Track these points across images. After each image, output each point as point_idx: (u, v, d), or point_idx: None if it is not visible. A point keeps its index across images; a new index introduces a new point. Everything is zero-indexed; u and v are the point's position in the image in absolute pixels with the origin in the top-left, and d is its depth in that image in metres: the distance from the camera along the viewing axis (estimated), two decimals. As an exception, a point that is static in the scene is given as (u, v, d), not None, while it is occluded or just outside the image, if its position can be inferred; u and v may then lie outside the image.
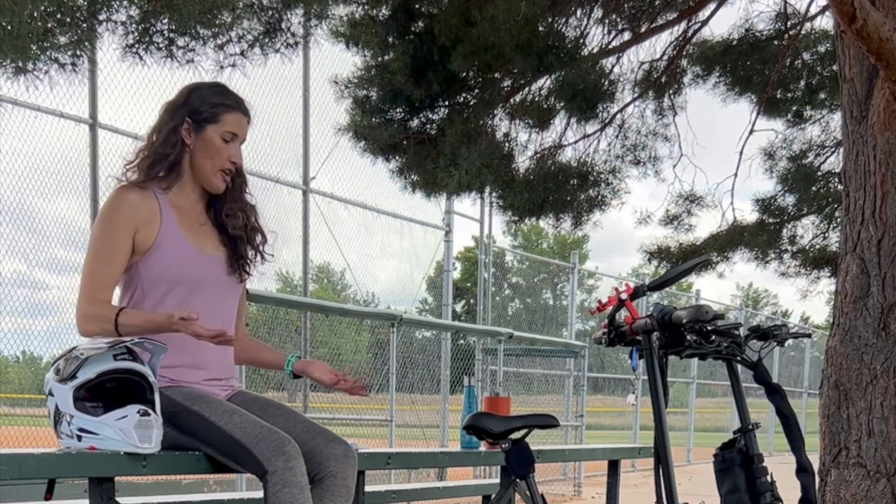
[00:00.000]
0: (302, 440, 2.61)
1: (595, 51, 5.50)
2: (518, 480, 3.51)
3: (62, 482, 2.57)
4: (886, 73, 3.31)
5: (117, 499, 2.51)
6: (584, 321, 17.21)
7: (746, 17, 6.02)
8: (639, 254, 7.45)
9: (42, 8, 2.63)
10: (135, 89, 5.88)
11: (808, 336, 3.52)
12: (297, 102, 7.77)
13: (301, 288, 8.05)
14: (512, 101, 5.52)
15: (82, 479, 2.51)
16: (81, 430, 2.42)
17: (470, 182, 5.32)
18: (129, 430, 2.40)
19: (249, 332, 4.27)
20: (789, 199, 7.19)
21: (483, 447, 3.93)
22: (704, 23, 5.86)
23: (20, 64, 2.80)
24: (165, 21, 3.16)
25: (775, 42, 6.01)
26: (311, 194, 7.91)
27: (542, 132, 5.77)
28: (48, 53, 2.84)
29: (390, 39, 4.94)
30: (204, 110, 2.69)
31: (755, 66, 6.07)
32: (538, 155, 5.84)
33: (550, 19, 5.08)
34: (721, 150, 7.09)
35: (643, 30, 5.62)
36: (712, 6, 5.70)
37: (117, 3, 2.93)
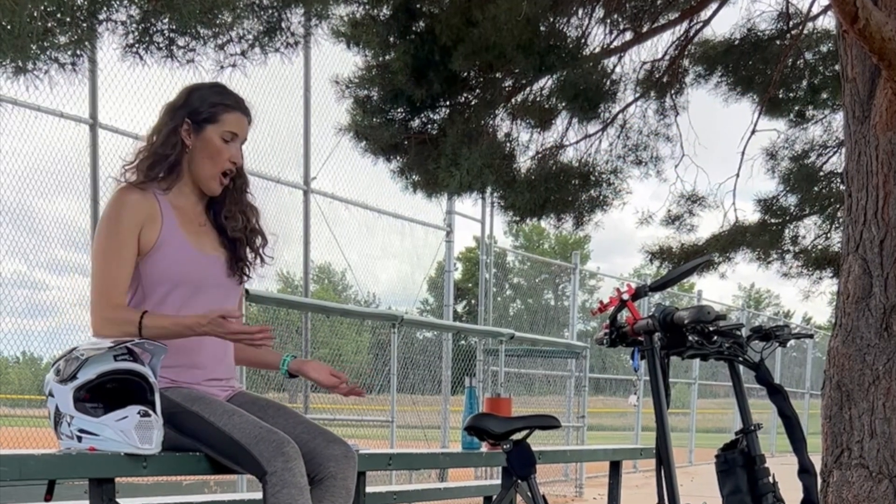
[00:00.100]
0: (302, 441, 2.61)
1: (597, 51, 5.50)
2: (519, 481, 3.50)
3: (62, 483, 2.57)
4: (888, 73, 3.30)
5: (118, 500, 2.51)
6: (586, 322, 17.21)
7: (748, 17, 6.02)
8: (640, 254, 7.46)
9: (42, 7, 2.62)
10: (135, 89, 5.87)
11: (810, 337, 3.51)
12: (297, 102, 7.76)
13: (302, 288, 8.04)
14: (513, 101, 5.52)
15: (82, 480, 2.50)
16: (82, 430, 2.42)
17: (471, 182, 5.32)
18: (129, 430, 2.40)
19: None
20: (791, 200, 7.18)
21: (484, 448, 3.93)
22: (706, 22, 5.86)
23: (20, 63, 2.80)
24: (166, 21, 3.16)
25: (777, 42, 6.00)
26: (312, 194, 7.90)
27: (543, 132, 5.77)
28: (48, 53, 2.83)
29: (391, 39, 4.93)
30: (203, 110, 2.69)
31: (757, 66, 6.06)
32: (539, 155, 5.83)
33: (552, 19, 5.08)
34: (723, 150, 7.09)
35: (645, 29, 5.61)
36: (714, 6, 5.69)
37: (117, 2, 2.92)
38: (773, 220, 7.20)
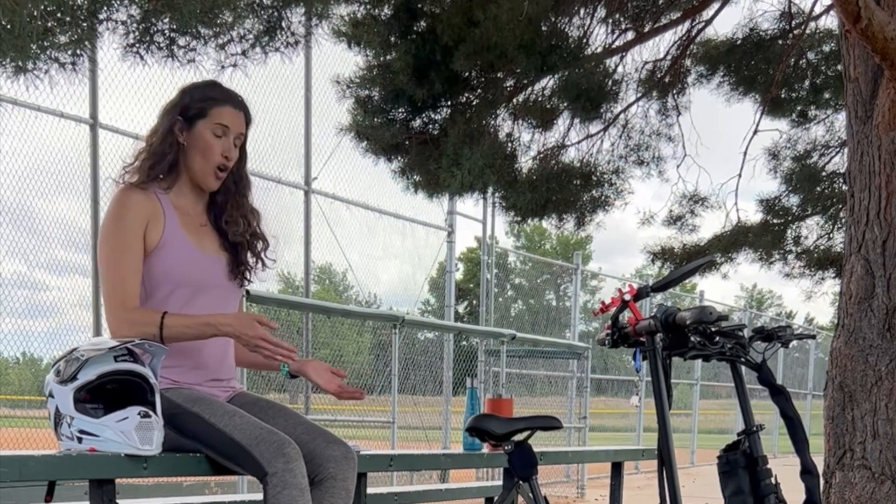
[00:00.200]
0: (302, 442, 2.60)
1: (598, 50, 5.49)
2: (521, 482, 3.50)
3: (62, 484, 2.56)
4: (891, 72, 3.29)
5: (118, 501, 2.50)
6: (588, 322, 17.20)
7: (750, 17, 6.01)
8: (642, 255, 7.45)
9: (42, 7, 2.62)
10: (136, 89, 5.86)
11: (813, 337, 3.50)
12: (298, 102, 7.75)
13: (303, 289, 8.03)
14: (515, 101, 5.51)
15: (83, 481, 2.50)
16: (82, 431, 2.41)
17: (472, 182, 5.31)
18: (129, 431, 2.40)
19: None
20: (793, 200, 7.17)
21: (486, 449, 3.92)
22: (708, 22, 5.85)
23: (20, 63, 2.79)
24: (166, 20, 3.15)
25: (779, 41, 6.00)
26: (313, 195, 7.90)
27: (545, 132, 5.76)
28: (48, 53, 2.82)
29: (392, 39, 4.93)
30: (193, 107, 2.70)
31: (759, 66, 6.05)
32: (541, 155, 5.83)
33: (553, 19, 5.07)
34: (725, 150, 7.08)
35: (647, 29, 5.61)
36: (716, 5, 5.69)
37: (118, 2, 2.91)
38: (775, 221, 7.19)
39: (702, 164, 6.41)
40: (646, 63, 5.87)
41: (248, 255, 2.82)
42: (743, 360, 2.67)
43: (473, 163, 5.14)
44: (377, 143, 5.39)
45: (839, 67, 4.25)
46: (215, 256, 2.75)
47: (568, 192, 5.87)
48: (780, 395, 2.70)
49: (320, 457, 2.63)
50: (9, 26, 2.56)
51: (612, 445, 4.94)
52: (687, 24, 5.79)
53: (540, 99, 5.53)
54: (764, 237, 7.10)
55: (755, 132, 6.40)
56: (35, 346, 6.75)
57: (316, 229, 7.95)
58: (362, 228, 8.80)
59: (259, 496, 2.58)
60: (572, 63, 5.11)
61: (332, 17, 3.87)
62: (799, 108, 6.52)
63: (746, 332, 2.71)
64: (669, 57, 5.91)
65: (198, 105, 2.69)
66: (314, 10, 3.48)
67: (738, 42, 6.03)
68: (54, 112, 5.58)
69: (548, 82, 5.48)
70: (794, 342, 2.85)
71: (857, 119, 3.60)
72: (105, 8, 2.90)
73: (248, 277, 2.85)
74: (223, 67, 3.53)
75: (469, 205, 9.61)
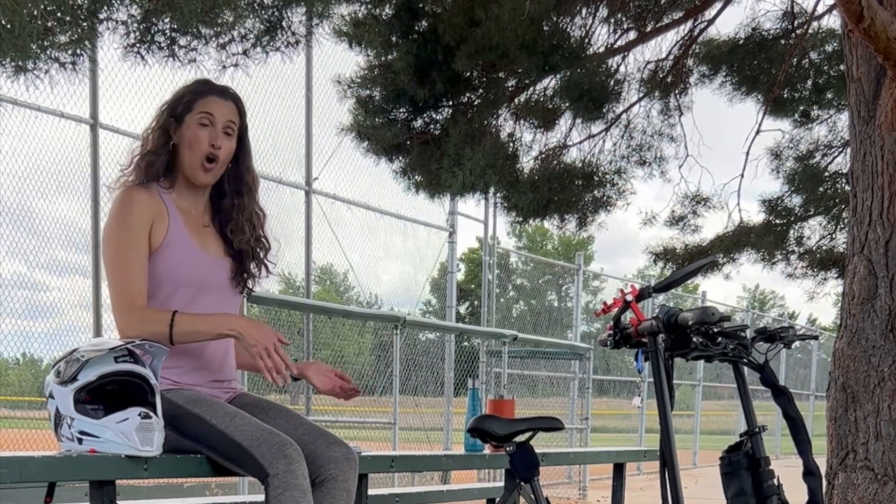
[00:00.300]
0: (303, 443, 2.60)
1: (600, 50, 5.48)
2: (522, 484, 3.48)
3: (62, 485, 2.56)
4: (894, 72, 3.29)
5: (118, 502, 2.49)
6: (590, 323, 17.20)
7: (753, 17, 6.00)
8: (644, 255, 7.43)
9: (42, 6, 2.61)
10: (136, 89, 5.86)
11: (815, 338, 3.49)
12: (299, 102, 7.74)
13: (304, 289, 8.03)
14: (516, 101, 5.50)
15: (83, 482, 2.49)
16: (82, 432, 2.41)
17: (474, 183, 5.30)
18: (130, 432, 2.39)
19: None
20: (796, 200, 7.16)
21: (487, 450, 3.91)
22: (711, 22, 5.84)
23: (20, 63, 2.78)
24: (167, 20, 3.14)
25: (782, 41, 5.99)
26: (314, 195, 7.89)
27: (546, 132, 5.75)
28: (48, 52, 2.81)
29: (394, 39, 4.92)
30: (180, 103, 2.71)
31: (762, 66, 6.04)
32: (543, 155, 5.82)
33: (555, 19, 5.06)
34: (727, 151, 7.06)
35: (649, 29, 5.60)
36: (718, 5, 5.68)
37: (118, 1, 2.90)
38: (777, 221, 7.18)
39: (704, 165, 6.41)
40: (648, 63, 5.86)
41: (252, 264, 2.82)
42: (745, 360, 2.67)
43: (475, 163, 5.14)
44: (378, 144, 5.38)
45: (842, 67, 4.24)
46: (219, 259, 2.76)
47: (570, 192, 5.86)
48: (782, 396, 2.69)
49: (321, 458, 2.62)
50: (9, 26, 2.55)
51: (614, 446, 4.93)
52: (689, 24, 5.78)
53: (542, 99, 5.52)
54: (766, 237, 7.09)
55: (757, 132, 6.40)
56: (35, 347, 6.76)
57: (317, 230, 7.95)
58: (363, 229, 8.80)
59: (260, 497, 2.57)
60: (574, 63, 5.10)
61: (332, 16, 3.86)
62: (801, 108, 6.51)
63: (749, 333, 2.71)
64: (672, 57, 5.90)
65: (185, 101, 2.70)
66: (315, 10, 3.47)
67: (741, 42, 6.02)
68: (54, 112, 5.58)
69: (550, 82, 5.47)
70: (797, 343, 2.85)
71: (860, 119, 3.59)
72: (105, 7, 2.89)
73: (251, 288, 2.85)
74: (224, 67, 3.52)
75: (470, 205, 9.62)
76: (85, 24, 2.84)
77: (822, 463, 2.84)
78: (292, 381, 2.92)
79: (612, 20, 5.47)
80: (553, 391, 11.80)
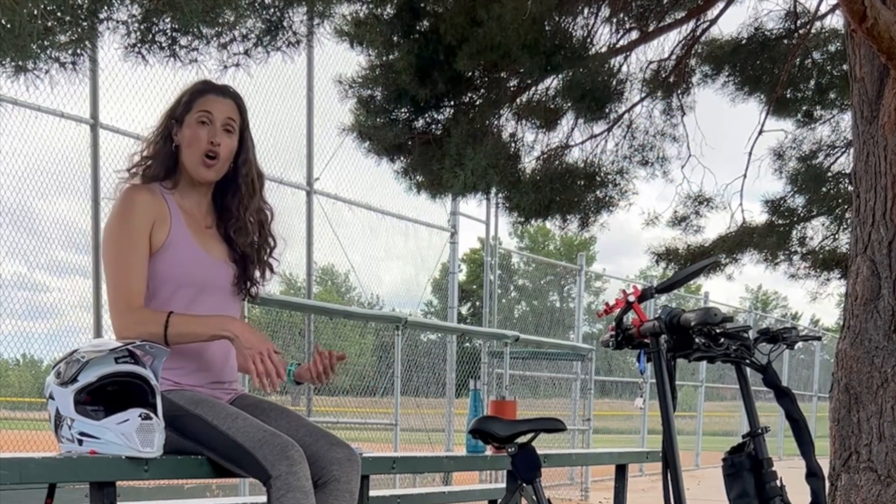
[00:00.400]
0: (305, 444, 2.59)
1: (603, 50, 5.47)
2: (524, 485, 3.48)
3: (63, 487, 2.55)
4: (898, 72, 3.27)
5: (118, 503, 2.48)
6: (592, 324, 17.18)
7: (756, 16, 6.00)
8: (646, 255, 7.42)
9: (42, 6, 2.61)
10: (137, 89, 5.86)
11: (818, 339, 3.49)
12: (300, 102, 7.73)
13: (305, 290, 8.02)
14: (518, 101, 5.50)
15: (83, 483, 2.48)
16: (82, 433, 2.40)
17: (476, 183, 5.29)
18: (130, 433, 2.39)
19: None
20: (799, 201, 7.16)
21: (489, 451, 3.91)
22: (713, 22, 5.83)
23: (20, 63, 2.78)
24: (168, 20, 3.14)
25: (785, 41, 5.98)
26: (315, 195, 7.88)
27: (548, 132, 5.75)
28: (48, 52, 2.81)
29: (395, 38, 4.91)
30: (180, 105, 2.72)
31: (764, 66, 6.04)
32: (545, 155, 5.81)
33: (557, 18, 5.05)
34: (730, 151, 7.06)
35: (651, 29, 5.59)
36: (721, 5, 5.67)
37: (118, 1, 2.90)
38: (780, 221, 7.17)
39: (706, 165, 6.40)
40: (650, 63, 5.85)
41: (256, 271, 2.81)
42: (748, 361, 2.66)
43: (476, 163, 5.13)
44: (380, 144, 5.38)
45: (845, 67, 4.23)
46: (221, 261, 2.76)
47: (572, 192, 5.85)
48: (785, 397, 2.68)
49: (323, 459, 2.61)
50: (9, 26, 2.55)
51: (617, 448, 4.92)
52: (692, 24, 5.77)
53: (544, 99, 5.52)
54: (769, 238, 7.08)
55: (760, 132, 6.39)
56: (35, 348, 6.75)
57: (318, 230, 7.94)
58: (365, 229, 8.79)
59: (260, 499, 2.57)
60: (576, 63, 5.09)
61: (334, 16, 3.86)
62: (804, 108, 6.50)
63: (751, 334, 2.70)
64: (674, 57, 5.89)
65: (184, 102, 2.72)
66: (316, 10, 3.47)
67: (743, 42, 6.02)
68: (55, 112, 5.57)
69: (551, 82, 5.46)
70: (800, 344, 2.83)
71: (863, 119, 3.58)
72: (106, 7, 2.89)
73: (253, 295, 2.84)
74: (225, 67, 3.51)
75: (472, 205, 9.61)
76: (85, 23, 2.83)
77: (824, 464, 2.83)
78: (295, 385, 2.91)
79: (615, 20, 5.47)
80: (555, 392, 11.78)
